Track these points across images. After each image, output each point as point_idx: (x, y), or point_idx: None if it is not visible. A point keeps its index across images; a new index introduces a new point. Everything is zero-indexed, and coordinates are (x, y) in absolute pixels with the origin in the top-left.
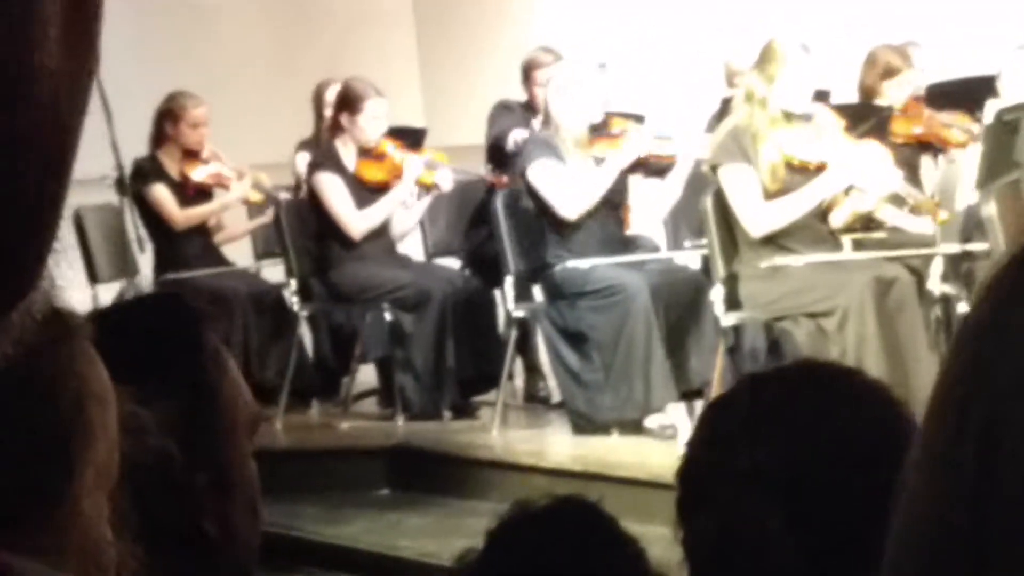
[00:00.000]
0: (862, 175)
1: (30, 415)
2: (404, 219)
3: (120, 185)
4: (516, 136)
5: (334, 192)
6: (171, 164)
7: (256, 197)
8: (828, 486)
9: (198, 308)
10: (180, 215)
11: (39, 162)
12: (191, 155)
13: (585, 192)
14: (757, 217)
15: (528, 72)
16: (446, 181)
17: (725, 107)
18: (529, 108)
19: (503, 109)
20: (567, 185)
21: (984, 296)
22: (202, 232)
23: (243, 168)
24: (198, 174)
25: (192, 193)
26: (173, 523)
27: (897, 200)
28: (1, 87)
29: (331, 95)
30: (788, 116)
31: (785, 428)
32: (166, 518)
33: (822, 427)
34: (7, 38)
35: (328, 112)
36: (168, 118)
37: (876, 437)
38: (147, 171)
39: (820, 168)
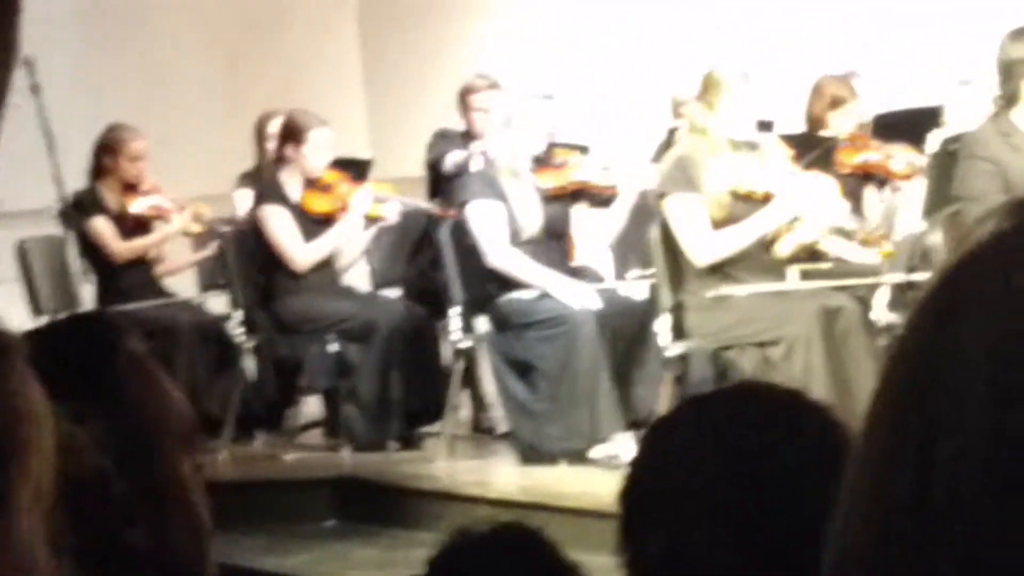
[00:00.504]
0: (808, 206)
1: None
2: (349, 251)
3: (64, 216)
4: (453, 158)
5: (279, 224)
6: (111, 196)
7: (197, 229)
8: (772, 506)
9: (114, 322)
10: (121, 247)
11: None
12: (131, 187)
13: (510, 256)
14: (702, 247)
15: (464, 98)
16: (393, 213)
17: (671, 137)
18: (468, 136)
19: (441, 138)
20: (499, 232)
21: (916, 314)
22: (143, 264)
23: (184, 201)
24: (138, 206)
25: (132, 225)
26: (110, 541)
27: (843, 231)
28: None
29: (273, 127)
30: (734, 144)
31: (728, 448)
32: (104, 536)
33: (764, 447)
34: None
35: (270, 144)
36: (107, 151)
37: (818, 457)
38: (87, 204)
39: (766, 198)
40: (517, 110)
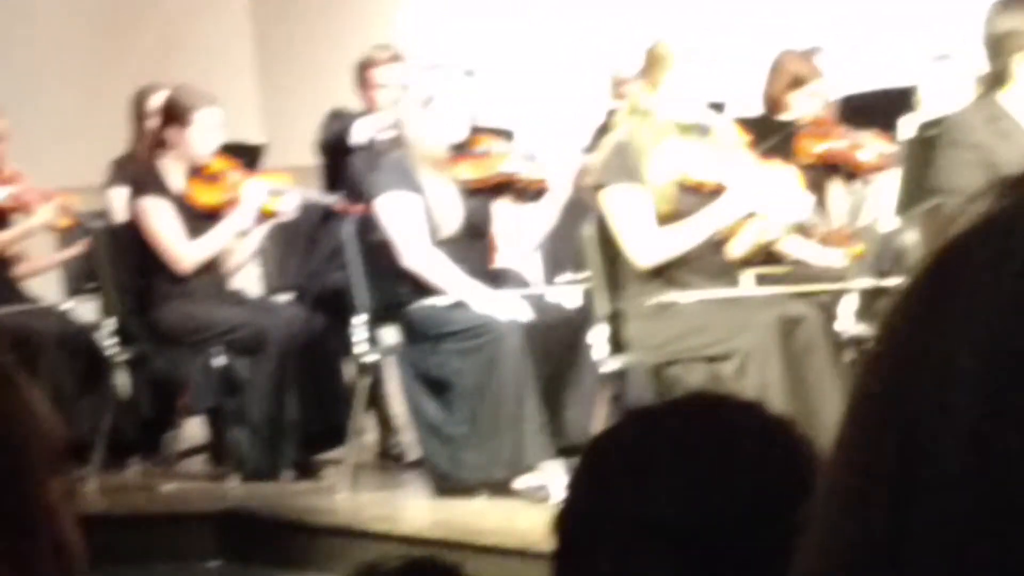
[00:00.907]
0: (767, 200)
1: None
2: (238, 250)
3: None
4: (361, 129)
5: (160, 218)
6: None
7: (64, 223)
8: (724, 534)
9: None
10: None
11: None
12: None
13: (428, 257)
14: (644, 245)
15: (363, 72)
16: (290, 208)
17: (610, 121)
18: (367, 115)
19: (335, 118)
20: (416, 229)
21: (894, 313)
22: (1, 263)
23: (48, 190)
24: None
25: None
26: None
27: (803, 229)
28: None
29: (155, 103)
30: (681, 128)
31: (679, 467)
32: None
33: (718, 468)
34: None
35: (151, 124)
36: None
37: (779, 478)
38: None
39: (718, 190)
40: (438, 88)
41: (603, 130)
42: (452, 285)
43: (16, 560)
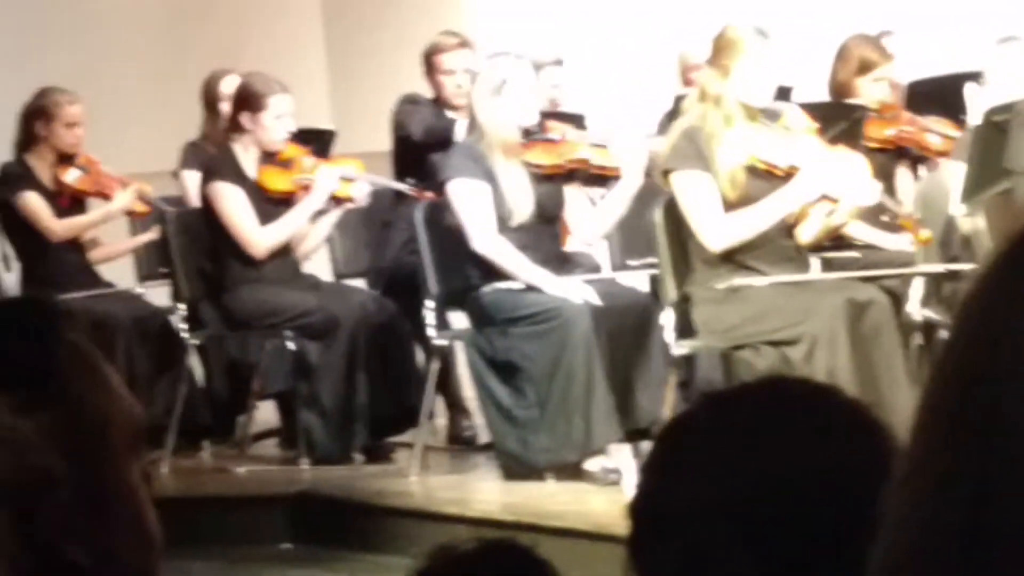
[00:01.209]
0: (837, 184)
1: None
2: (311, 235)
3: None
4: (422, 123)
5: (233, 203)
6: (42, 169)
7: (141, 209)
8: (801, 519)
9: (59, 308)
10: (59, 225)
11: None
12: (65, 159)
13: (495, 242)
14: (716, 230)
15: (430, 59)
16: (362, 194)
17: (679, 106)
18: (437, 102)
19: (409, 104)
20: (486, 214)
21: (975, 298)
22: (76, 249)
23: (125, 177)
24: (75, 181)
25: (67, 204)
26: (61, 547)
27: (871, 215)
28: None
29: (226, 87)
30: (750, 113)
31: (753, 452)
32: (52, 541)
33: (794, 452)
34: None
35: (224, 108)
36: (39, 117)
37: (855, 463)
38: (15, 177)
39: (788, 174)
40: (509, 74)
41: (672, 116)
42: (521, 270)
43: (99, 545)
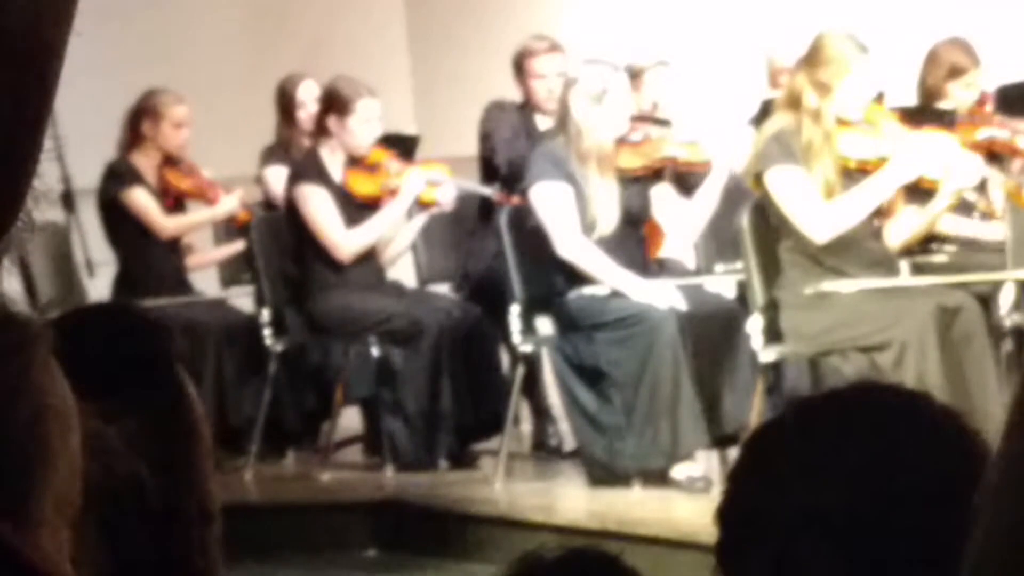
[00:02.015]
0: (934, 163)
1: None
2: (396, 240)
3: (66, 200)
4: (506, 154)
5: (319, 205)
6: (148, 169)
7: (245, 215)
8: (894, 526)
9: (150, 316)
10: (170, 222)
11: (17, 77)
12: (169, 161)
13: (584, 248)
14: (818, 220)
15: (521, 63)
16: (448, 198)
17: (766, 111)
18: (526, 107)
19: (496, 111)
20: (570, 218)
21: None
22: (175, 253)
23: (227, 184)
24: (181, 181)
25: (171, 204)
26: (147, 558)
27: (965, 207)
28: None
29: (304, 92)
30: (844, 123)
31: (844, 458)
32: (139, 552)
33: (886, 459)
34: None
35: (303, 112)
36: (147, 117)
37: (948, 471)
38: (122, 174)
39: (881, 164)
40: (610, 85)
41: (760, 117)
42: (606, 273)
43: (202, 548)
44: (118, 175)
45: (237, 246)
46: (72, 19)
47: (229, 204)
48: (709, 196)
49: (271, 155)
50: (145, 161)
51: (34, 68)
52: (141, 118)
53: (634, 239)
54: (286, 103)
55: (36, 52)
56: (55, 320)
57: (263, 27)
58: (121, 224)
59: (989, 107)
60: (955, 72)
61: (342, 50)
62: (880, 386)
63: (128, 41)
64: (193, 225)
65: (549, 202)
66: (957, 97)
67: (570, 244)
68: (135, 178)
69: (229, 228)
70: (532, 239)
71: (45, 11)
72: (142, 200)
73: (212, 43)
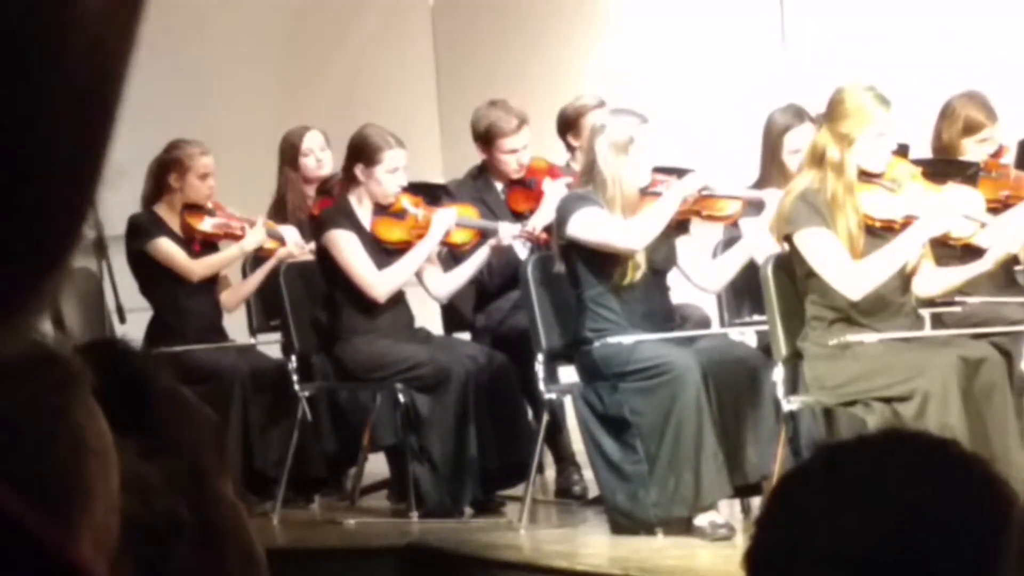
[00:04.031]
0: (960, 220)
1: (20, 470)
2: (450, 277)
3: (98, 246)
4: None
5: (350, 249)
6: (171, 219)
7: (273, 244)
8: (920, 572)
9: (143, 352)
10: (197, 265)
11: (81, 106)
12: (193, 207)
13: (644, 223)
14: (852, 278)
15: (489, 138)
16: (507, 236)
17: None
18: (484, 174)
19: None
20: (619, 222)
21: None
22: (210, 296)
23: (251, 217)
24: (206, 226)
25: (199, 249)
26: None
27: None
28: (43, 23)
29: (310, 141)
30: (866, 175)
31: (871, 504)
32: None
33: (914, 506)
34: None
35: (309, 160)
36: (173, 169)
37: (973, 518)
38: (146, 226)
39: (906, 224)
40: (637, 134)
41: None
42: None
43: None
44: (142, 228)
45: (265, 269)
46: (133, 52)
47: (256, 237)
48: (736, 253)
49: (275, 210)
50: (168, 211)
51: (101, 98)
52: (167, 170)
53: (659, 288)
54: (291, 153)
55: (104, 84)
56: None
57: (294, 76)
58: (152, 275)
59: (1009, 159)
60: (970, 128)
61: (372, 99)
62: (906, 433)
63: (161, 89)
64: (222, 263)
65: (592, 222)
66: (973, 152)
67: (636, 233)
68: (159, 229)
69: (258, 260)
70: (558, 286)
71: (112, 43)
72: (168, 249)
73: (243, 92)
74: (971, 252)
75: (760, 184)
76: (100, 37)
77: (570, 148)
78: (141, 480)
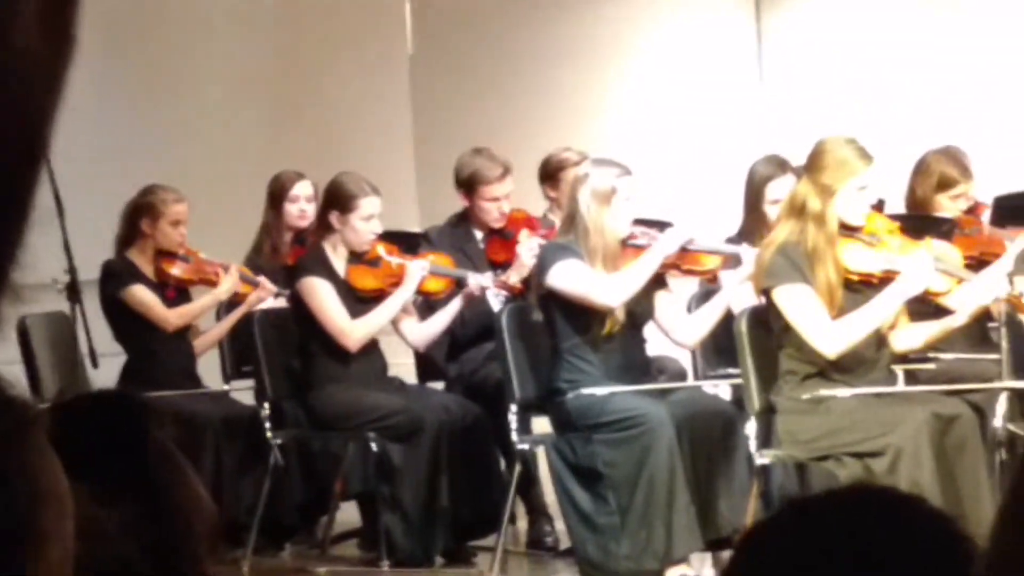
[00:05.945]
0: (941, 276)
1: None
2: (426, 325)
3: (71, 291)
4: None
5: (324, 297)
6: (145, 264)
7: (247, 289)
8: None
9: (145, 403)
10: (173, 315)
11: (9, 145)
12: (167, 253)
13: (623, 281)
14: (829, 336)
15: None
16: (477, 286)
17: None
18: (465, 221)
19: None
20: (599, 277)
21: None
22: (184, 343)
23: (225, 262)
24: (179, 272)
25: (173, 296)
26: None
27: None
28: None
29: (300, 189)
30: (846, 228)
31: (838, 559)
32: None
33: (879, 564)
34: None
35: (294, 207)
36: (145, 214)
37: (941, 573)
38: (120, 272)
39: (884, 279)
40: (619, 185)
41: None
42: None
43: None
44: (116, 274)
45: (236, 315)
46: (62, 94)
47: (228, 284)
48: (713, 307)
49: (252, 260)
50: (141, 257)
51: (29, 139)
52: (140, 215)
53: (636, 341)
54: (279, 195)
55: (33, 125)
56: (52, 406)
57: (274, 120)
58: (126, 321)
59: (985, 216)
60: (944, 184)
61: (349, 146)
62: (874, 489)
63: (139, 134)
64: (197, 312)
65: (572, 275)
66: (946, 208)
67: (612, 290)
68: (133, 276)
69: (231, 304)
70: (533, 336)
71: (41, 85)
72: (143, 296)
73: (224, 136)
74: (944, 309)
75: (742, 234)
76: (31, 74)
77: (548, 198)
78: (96, 525)
